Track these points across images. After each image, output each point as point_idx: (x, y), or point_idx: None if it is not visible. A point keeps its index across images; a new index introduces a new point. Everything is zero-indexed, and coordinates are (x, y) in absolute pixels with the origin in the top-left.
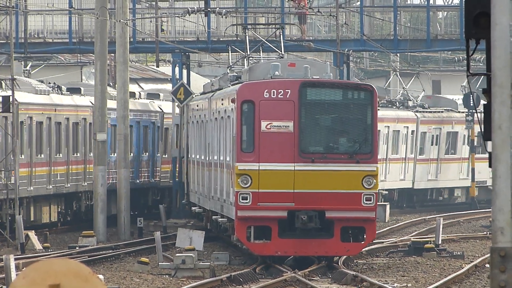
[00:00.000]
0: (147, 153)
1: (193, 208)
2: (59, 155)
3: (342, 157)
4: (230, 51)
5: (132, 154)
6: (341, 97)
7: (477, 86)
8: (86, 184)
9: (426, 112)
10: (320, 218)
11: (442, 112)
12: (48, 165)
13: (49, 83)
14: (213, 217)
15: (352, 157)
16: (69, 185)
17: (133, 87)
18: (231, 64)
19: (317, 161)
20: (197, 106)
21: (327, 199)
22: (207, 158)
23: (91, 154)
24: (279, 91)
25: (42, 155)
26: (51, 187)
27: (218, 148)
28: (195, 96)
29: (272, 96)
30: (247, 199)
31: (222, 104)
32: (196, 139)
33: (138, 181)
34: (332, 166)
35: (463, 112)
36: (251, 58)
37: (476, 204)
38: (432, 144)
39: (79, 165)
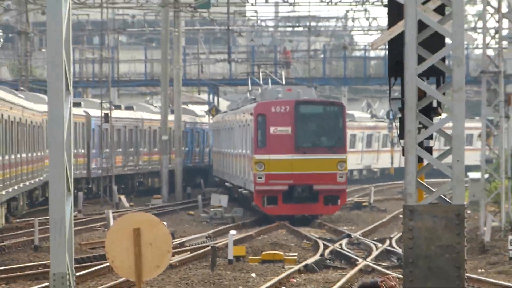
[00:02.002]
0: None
1: (226, 183)
2: (143, 149)
3: (324, 150)
4: (250, 81)
5: (198, 148)
6: (322, 110)
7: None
8: (158, 166)
9: (353, 122)
10: (310, 190)
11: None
12: (135, 155)
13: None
14: (238, 189)
15: (330, 149)
16: (150, 167)
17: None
18: (250, 89)
19: (307, 152)
20: (228, 117)
21: (314, 177)
22: (235, 151)
23: (155, 149)
24: (281, 107)
25: (132, 149)
26: (137, 168)
27: (241, 144)
28: (226, 111)
29: (277, 111)
30: (261, 178)
31: (243, 115)
32: (228, 139)
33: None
34: (317, 156)
35: (360, 122)
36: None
37: (393, 178)
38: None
39: (154, 155)
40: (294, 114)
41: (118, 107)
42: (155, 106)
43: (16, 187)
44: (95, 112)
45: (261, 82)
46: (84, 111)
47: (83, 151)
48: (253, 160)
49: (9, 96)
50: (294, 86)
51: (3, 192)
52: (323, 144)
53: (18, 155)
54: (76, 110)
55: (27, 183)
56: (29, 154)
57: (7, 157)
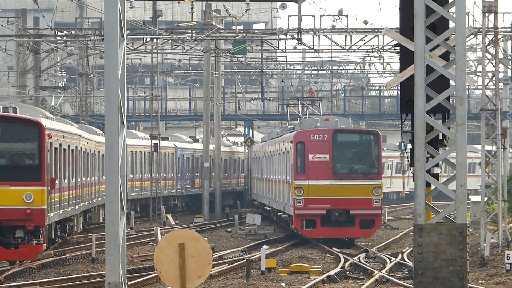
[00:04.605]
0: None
1: (265, 207)
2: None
3: (360, 176)
4: (289, 113)
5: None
6: (358, 138)
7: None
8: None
9: None
10: (347, 214)
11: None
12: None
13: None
14: (278, 213)
15: (366, 176)
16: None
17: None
18: (288, 120)
19: (344, 178)
20: (268, 146)
21: (351, 202)
22: (275, 177)
23: (225, 174)
24: (319, 135)
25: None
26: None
27: (281, 171)
28: (266, 141)
29: (316, 139)
30: (301, 203)
31: (283, 144)
32: (268, 166)
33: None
34: (353, 182)
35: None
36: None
37: (404, 200)
38: None
39: (224, 179)
40: (331, 142)
41: (196, 141)
42: (227, 140)
43: (90, 202)
44: (180, 145)
45: (300, 114)
46: (174, 144)
47: (172, 175)
48: (292, 185)
49: (84, 134)
50: (332, 116)
51: (81, 205)
52: (359, 170)
53: (92, 178)
54: (167, 143)
55: (99, 199)
56: (101, 177)
57: (84, 179)
